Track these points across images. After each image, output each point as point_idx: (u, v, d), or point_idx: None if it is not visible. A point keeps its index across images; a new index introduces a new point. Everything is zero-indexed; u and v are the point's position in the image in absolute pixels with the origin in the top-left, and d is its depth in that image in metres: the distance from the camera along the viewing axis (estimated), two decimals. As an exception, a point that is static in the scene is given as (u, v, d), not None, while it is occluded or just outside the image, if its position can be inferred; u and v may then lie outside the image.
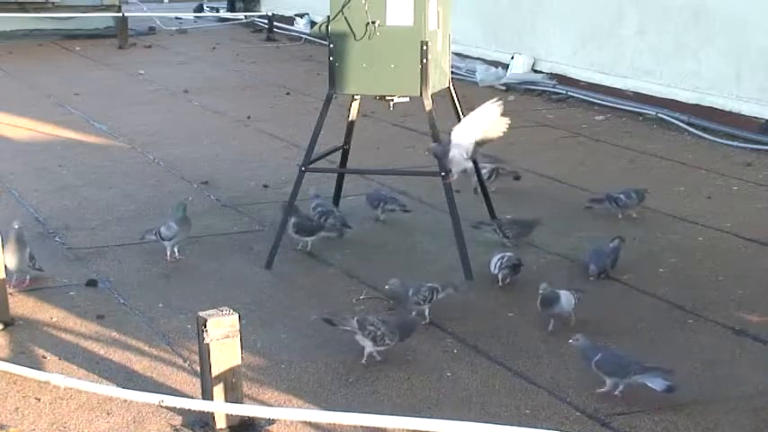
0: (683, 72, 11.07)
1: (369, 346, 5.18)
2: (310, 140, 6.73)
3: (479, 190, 7.51)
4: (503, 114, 6.07)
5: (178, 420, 4.62)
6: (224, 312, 4.52)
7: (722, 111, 10.53)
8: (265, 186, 8.44)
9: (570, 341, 5.07)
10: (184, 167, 9.10)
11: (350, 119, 7.11)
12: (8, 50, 16.31)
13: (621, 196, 7.54)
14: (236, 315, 4.53)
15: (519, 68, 13.19)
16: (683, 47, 11.09)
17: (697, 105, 10.81)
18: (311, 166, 6.83)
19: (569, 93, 12.36)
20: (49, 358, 5.28)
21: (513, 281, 6.26)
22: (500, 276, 6.24)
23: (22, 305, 5.94)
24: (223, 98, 12.53)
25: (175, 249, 6.68)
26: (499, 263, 6.26)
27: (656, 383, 4.78)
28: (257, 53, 16.68)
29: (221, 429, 4.55)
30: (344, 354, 5.31)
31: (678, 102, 11.01)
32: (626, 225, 7.48)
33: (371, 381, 5.04)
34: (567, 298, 5.64)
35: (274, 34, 18.24)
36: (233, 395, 4.52)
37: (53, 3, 17.73)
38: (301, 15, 18.44)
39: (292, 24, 18.48)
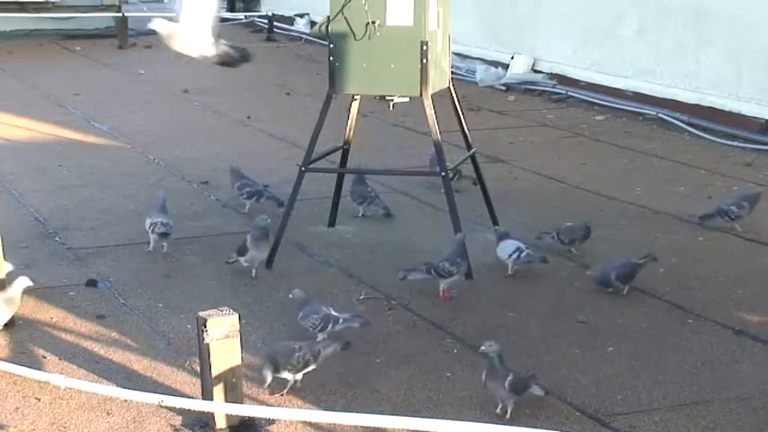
0: (683, 72, 11.08)
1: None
2: (310, 140, 6.74)
3: (479, 187, 7.50)
4: None
5: (178, 420, 4.62)
6: (224, 312, 4.52)
7: (722, 111, 10.54)
8: (265, 186, 8.43)
9: (482, 348, 4.84)
10: (184, 167, 9.10)
11: (350, 119, 7.11)
12: (8, 50, 16.30)
13: (733, 208, 7.23)
14: (236, 315, 4.53)
15: (519, 68, 13.20)
16: (683, 47, 11.09)
17: (697, 105, 10.81)
18: (311, 166, 6.84)
19: (569, 93, 12.37)
20: (49, 358, 5.28)
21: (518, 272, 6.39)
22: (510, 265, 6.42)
23: (22, 305, 5.93)
24: (223, 98, 12.52)
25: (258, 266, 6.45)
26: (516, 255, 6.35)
27: (537, 389, 4.77)
28: (257, 53, 16.64)
29: (221, 429, 4.55)
30: (344, 354, 5.31)
31: (678, 102, 11.02)
32: (626, 225, 7.49)
33: (371, 381, 5.04)
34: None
35: (274, 34, 18.25)
36: (233, 395, 4.52)
37: (53, 3, 17.72)
38: (301, 15, 18.44)
39: (292, 24, 18.48)
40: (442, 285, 6.03)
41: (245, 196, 7.72)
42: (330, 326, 5.35)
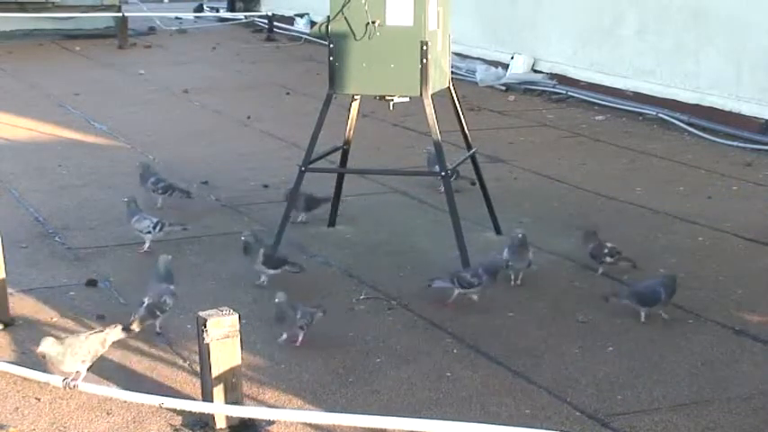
0: (683, 72, 11.08)
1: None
2: (310, 140, 6.74)
3: (479, 187, 7.49)
4: None
5: (178, 420, 4.62)
6: (224, 312, 4.52)
7: (722, 111, 10.54)
8: (265, 186, 8.45)
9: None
10: (184, 167, 9.10)
11: (350, 119, 7.11)
12: (8, 50, 16.32)
13: None
14: (236, 315, 4.53)
15: (519, 68, 13.20)
16: (683, 47, 11.09)
17: (697, 105, 10.81)
18: (311, 166, 6.84)
19: (569, 93, 12.37)
20: (49, 358, 5.27)
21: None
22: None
23: (22, 305, 5.94)
24: (223, 98, 12.53)
25: None
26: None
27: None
28: (257, 53, 16.68)
29: (221, 429, 4.55)
30: (344, 354, 5.32)
31: (678, 102, 11.02)
32: (627, 225, 7.48)
33: (371, 381, 5.04)
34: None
35: (274, 34, 18.26)
36: (233, 395, 4.51)
37: (53, 3, 17.74)
38: (301, 15, 18.45)
39: (292, 24, 18.50)
40: (455, 294, 5.95)
41: (159, 191, 7.73)
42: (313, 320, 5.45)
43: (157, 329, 5.55)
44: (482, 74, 13.38)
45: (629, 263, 6.52)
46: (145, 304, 5.51)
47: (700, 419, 4.66)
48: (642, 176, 8.89)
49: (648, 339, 5.52)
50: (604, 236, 7.12)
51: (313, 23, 16.93)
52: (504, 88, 13.04)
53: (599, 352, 5.36)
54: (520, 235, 6.29)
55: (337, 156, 7.34)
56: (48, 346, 4.58)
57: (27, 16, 17.52)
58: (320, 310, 5.56)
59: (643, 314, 5.73)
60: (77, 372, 4.66)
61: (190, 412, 4.53)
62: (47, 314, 5.84)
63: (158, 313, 5.53)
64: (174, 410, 4.62)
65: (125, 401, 4.70)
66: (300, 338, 5.43)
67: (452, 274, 6.00)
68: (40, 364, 5.18)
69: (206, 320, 4.45)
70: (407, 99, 6.66)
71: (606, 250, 6.48)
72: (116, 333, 4.82)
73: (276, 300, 5.42)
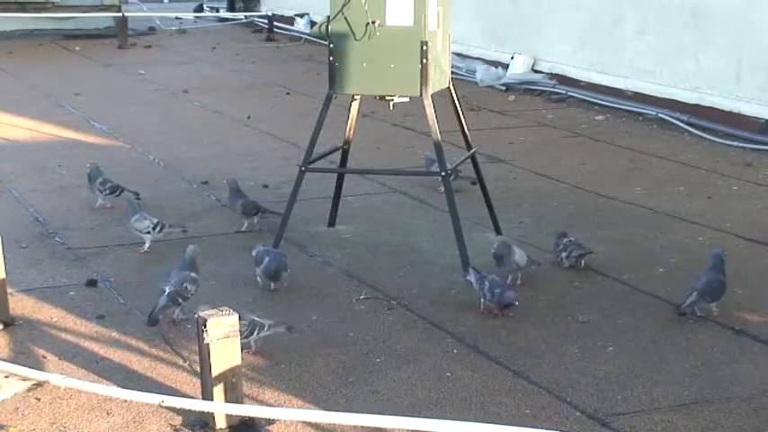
0: (683, 72, 11.07)
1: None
2: (310, 140, 6.74)
3: (479, 187, 7.49)
4: None
5: (178, 420, 4.62)
6: (224, 312, 4.52)
7: (722, 111, 10.53)
8: (265, 186, 8.44)
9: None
10: (184, 167, 9.10)
11: (350, 119, 7.11)
12: (8, 50, 16.32)
13: None
14: (236, 315, 4.53)
15: (519, 68, 13.20)
16: (683, 47, 11.09)
17: (697, 105, 10.81)
18: (311, 166, 6.84)
19: (569, 93, 12.37)
20: (48, 358, 5.28)
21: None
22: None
23: (22, 305, 5.94)
24: (223, 98, 12.53)
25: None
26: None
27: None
28: (257, 53, 16.68)
29: (221, 429, 4.55)
30: (344, 354, 5.32)
31: (678, 102, 11.02)
32: (626, 225, 7.48)
33: (371, 381, 5.04)
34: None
35: (274, 34, 18.26)
36: (233, 395, 4.52)
37: (53, 3, 17.74)
38: (301, 15, 18.46)
39: (292, 24, 18.50)
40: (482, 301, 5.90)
41: (107, 192, 7.69)
42: (257, 332, 5.22)
43: (180, 317, 5.60)
44: (482, 74, 13.38)
45: (585, 253, 6.55)
46: (166, 292, 5.54)
47: (700, 419, 4.66)
48: (642, 176, 8.89)
49: (648, 339, 5.52)
50: (605, 236, 7.13)
51: (313, 23, 16.95)
52: (504, 88, 13.04)
53: (599, 352, 5.36)
54: (496, 244, 6.36)
55: (337, 156, 7.33)
56: None
57: (27, 16, 17.52)
58: (282, 325, 5.34)
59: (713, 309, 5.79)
60: None
61: (190, 412, 4.53)
62: (47, 314, 5.85)
63: (180, 300, 5.57)
64: (175, 410, 4.62)
65: (125, 401, 4.70)
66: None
67: (481, 276, 5.89)
68: (41, 363, 5.20)
69: (206, 320, 4.45)
70: (407, 99, 6.66)
71: (561, 246, 6.54)
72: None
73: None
